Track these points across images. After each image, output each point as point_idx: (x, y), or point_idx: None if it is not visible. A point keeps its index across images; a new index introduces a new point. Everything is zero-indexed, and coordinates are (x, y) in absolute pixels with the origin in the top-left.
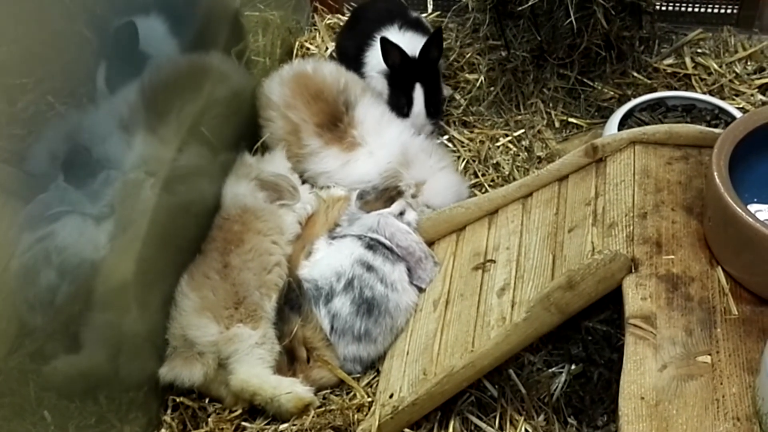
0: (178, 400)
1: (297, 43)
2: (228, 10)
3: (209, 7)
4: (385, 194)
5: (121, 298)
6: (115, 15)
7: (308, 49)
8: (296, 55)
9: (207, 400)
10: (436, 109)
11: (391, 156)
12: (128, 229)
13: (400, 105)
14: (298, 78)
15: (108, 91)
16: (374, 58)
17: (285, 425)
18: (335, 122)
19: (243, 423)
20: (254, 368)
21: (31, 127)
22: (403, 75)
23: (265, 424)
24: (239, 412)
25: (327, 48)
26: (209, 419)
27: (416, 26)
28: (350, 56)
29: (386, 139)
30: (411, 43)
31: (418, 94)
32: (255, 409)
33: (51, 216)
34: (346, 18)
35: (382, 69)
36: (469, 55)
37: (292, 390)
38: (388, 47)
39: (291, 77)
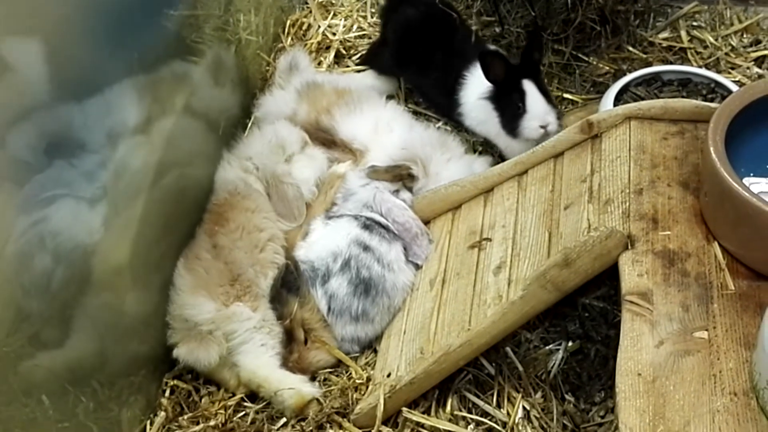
0: (175, 383)
1: (289, 21)
2: None
3: None
4: (396, 170)
5: (118, 281)
6: None
7: (300, 27)
8: (288, 34)
9: (201, 380)
10: (552, 102)
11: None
12: (123, 212)
13: (514, 105)
14: None
15: None
16: (471, 87)
17: None
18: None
19: (244, 404)
20: (261, 358)
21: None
22: (509, 81)
23: (265, 405)
24: (239, 396)
25: (319, 27)
26: (211, 401)
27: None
28: (441, 100)
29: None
30: None
31: (529, 86)
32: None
33: (45, 200)
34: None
35: (483, 92)
36: None
37: (295, 386)
38: (489, 60)
39: None
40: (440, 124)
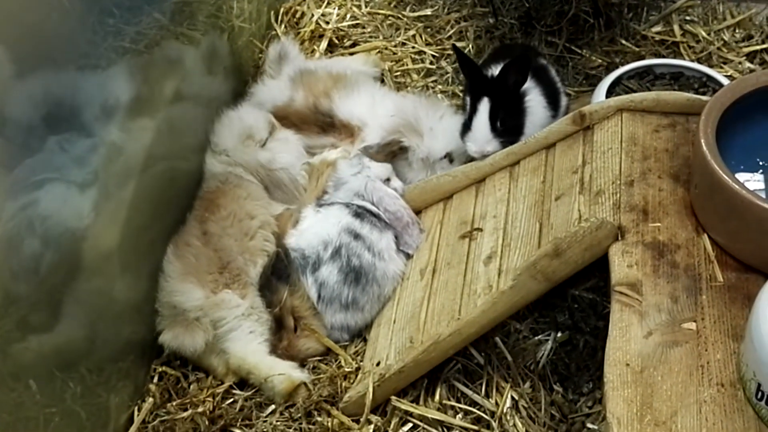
0: (163, 369)
1: (282, 9)
2: None
3: None
4: (387, 147)
5: (107, 266)
6: None
7: (294, 15)
8: (281, 22)
9: (190, 367)
10: (506, 129)
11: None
12: (113, 197)
13: (469, 116)
14: None
15: None
16: None
17: None
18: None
19: (233, 391)
20: (250, 345)
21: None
22: (473, 88)
23: (253, 393)
24: (228, 384)
25: (313, 15)
26: (199, 388)
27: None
28: None
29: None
30: None
31: (484, 107)
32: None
33: (34, 183)
34: None
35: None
36: (456, 22)
37: (285, 372)
38: (459, 56)
39: None
40: None
